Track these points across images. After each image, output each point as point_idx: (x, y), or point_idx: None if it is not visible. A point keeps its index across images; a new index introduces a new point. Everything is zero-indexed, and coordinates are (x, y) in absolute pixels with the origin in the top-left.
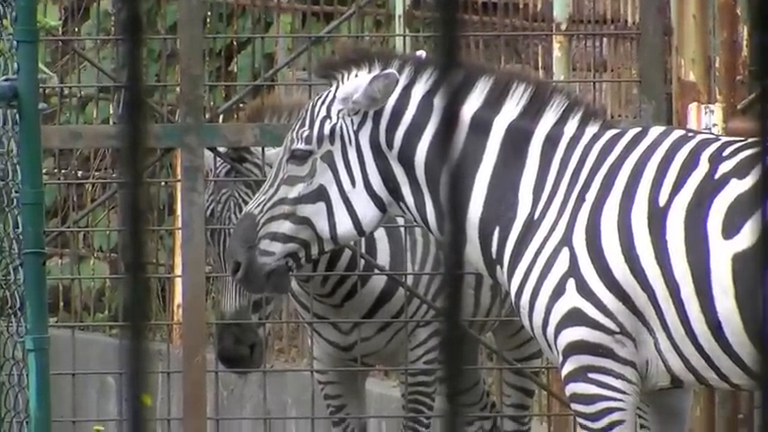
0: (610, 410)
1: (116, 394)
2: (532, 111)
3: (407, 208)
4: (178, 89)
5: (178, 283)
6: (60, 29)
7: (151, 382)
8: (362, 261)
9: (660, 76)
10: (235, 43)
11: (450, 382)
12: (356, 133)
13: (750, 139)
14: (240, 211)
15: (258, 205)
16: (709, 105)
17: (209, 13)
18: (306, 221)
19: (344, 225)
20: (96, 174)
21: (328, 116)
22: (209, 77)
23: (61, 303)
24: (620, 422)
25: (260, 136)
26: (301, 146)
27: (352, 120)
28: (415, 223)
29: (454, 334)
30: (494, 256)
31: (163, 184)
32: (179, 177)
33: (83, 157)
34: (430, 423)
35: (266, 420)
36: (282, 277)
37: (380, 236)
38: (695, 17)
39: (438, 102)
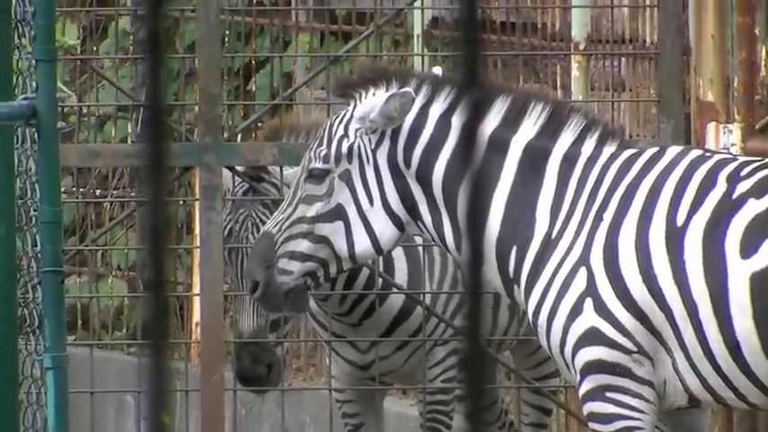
0: (628, 429)
1: (134, 412)
2: (550, 130)
3: (425, 227)
4: (196, 108)
5: (196, 301)
6: (79, 48)
7: (170, 401)
8: (380, 280)
9: (678, 95)
10: (253, 62)
11: (472, 400)
12: (374, 152)
13: None
14: (258, 230)
15: (276, 224)
16: (728, 125)
17: (227, 33)
18: (324, 240)
19: (363, 244)
20: (114, 192)
21: (346, 135)
22: (227, 96)
23: (79, 322)
24: None
25: (278, 155)
26: (319, 165)
27: (369, 138)
28: (433, 242)
29: (475, 352)
30: (511, 275)
31: (181, 202)
32: (197, 196)
33: (101, 176)
34: None
35: None
36: (301, 296)
37: (398, 255)
38: (713, 37)
39: (456, 121)
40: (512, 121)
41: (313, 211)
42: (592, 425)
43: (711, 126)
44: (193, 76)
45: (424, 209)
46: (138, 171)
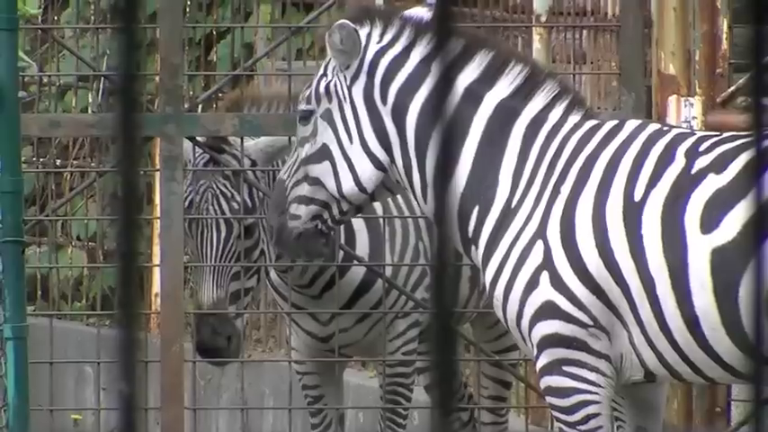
0: (585, 403)
1: (94, 383)
2: (523, 92)
3: (398, 170)
4: (157, 78)
5: (156, 272)
6: (40, 17)
7: (137, 372)
8: (342, 252)
9: (640, 68)
10: (214, 33)
11: (441, 370)
12: (349, 88)
13: (726, 134)
14: (218, 201)
15: (287, 170)
16: (689, 98)
17: (188, 3)
18: (317, 182)
19: (347, 183)
20: (75, 162)
21: (325, 74)
22: (188, 67)
23: (39, 292)
24: (595, 415)
25: (239, 126)
26: (303, 106)
27: (345, 75)
28: (395, 215)
29: (444, 324)
30: (470, 234)
31: (142, 173)
32: (158, 167)
33: (61, 146)
34: (408, 414)
35: (243, 410)
36: (313, 240)
37: (360, 227)
38: (675, 10)
39: (435, 67)
40: (490, 77)
41: (304, 152)
42: (549, 399)
43: (673, 99)
44: (154, 46)
45: (397, 151)
46: (99, 141)
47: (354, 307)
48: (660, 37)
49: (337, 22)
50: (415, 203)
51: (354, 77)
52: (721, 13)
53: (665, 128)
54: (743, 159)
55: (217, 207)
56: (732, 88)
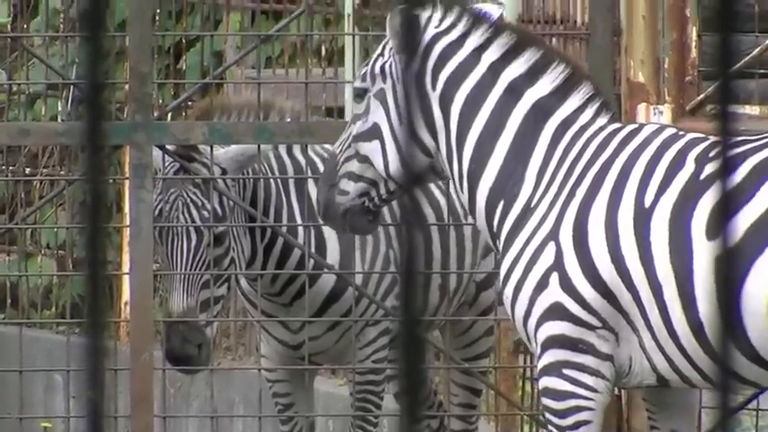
0: (578, 409)
1: (63, 391)
2: (561, 92)
3: (441, 157)
4: (127, 86)
5: (125, 280)
6: (9, 26)
7: (104, 380)
8: (312, 260)
9: (609, 76)
10: (184, 41)
11: (408, 378)
12: (404, 71)
13: (738, 138)
14: (188, 210)
15: (339, 144)
16: (658, 106)
17: (158, 10)
18: (367, 160)
19: (395, 164)
20: (44, 171)
21: (382, 54)
22: (157, 75)
23: (8, 300)
24: (586, 422)
25: (208, 134)
26: (358, 83)
27: (400, 58)
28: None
29: (412, 332)
30: (495, 229)
31: (111, 181)
32: (127, 175)
33: (31, 154)
34: (378, 422)
35: (213, 418)
36: (359, 217)
37: (330, 235)
38: (644, 18)
39: (487, 57)
40: (533, 74)
41: (355, 129)
42: (544, 400)
43: (642, 107)
44: (123, 55)
45: (442, 138)
46: (69, 150)
47: (325, 315)
48: (629, 45)
49: (398, 7)
50: (386, 212)
51: None
52: (690, 22)
53: (681, 132)
54: (747, 165)
55: (187, 215)
56: (701, 96)
